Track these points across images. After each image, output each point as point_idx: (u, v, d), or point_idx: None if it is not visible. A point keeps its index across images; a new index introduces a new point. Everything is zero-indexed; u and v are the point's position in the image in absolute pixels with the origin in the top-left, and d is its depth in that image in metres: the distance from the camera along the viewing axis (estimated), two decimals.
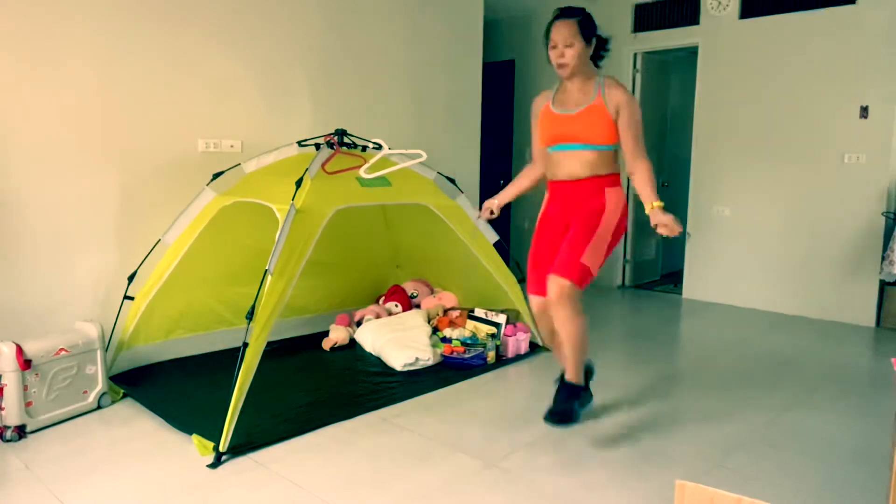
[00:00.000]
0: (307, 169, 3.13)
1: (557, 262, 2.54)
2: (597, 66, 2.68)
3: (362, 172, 3.35)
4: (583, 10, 2.59)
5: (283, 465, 2.53)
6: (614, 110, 2.53)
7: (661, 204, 2.45)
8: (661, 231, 2.39)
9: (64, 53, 3.23)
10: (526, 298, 3.03)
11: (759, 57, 5.18)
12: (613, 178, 2.63)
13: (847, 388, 3.48)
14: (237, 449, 2.60)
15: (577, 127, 2.56)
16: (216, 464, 2.51)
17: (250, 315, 2.66)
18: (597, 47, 2.61)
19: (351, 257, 4.46)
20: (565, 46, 2.52)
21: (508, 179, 6.78)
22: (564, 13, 2.56)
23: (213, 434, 2.60)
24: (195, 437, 2.68)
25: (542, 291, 2.68)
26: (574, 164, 2.60)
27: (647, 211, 2.48)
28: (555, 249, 2.66)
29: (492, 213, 2.90)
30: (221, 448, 2.54)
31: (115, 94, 3.41)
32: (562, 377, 2.74)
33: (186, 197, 3.57)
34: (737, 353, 4.10)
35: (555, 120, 2.63)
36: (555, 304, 2.52)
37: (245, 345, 2.63)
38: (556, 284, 2.50)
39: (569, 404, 2.65)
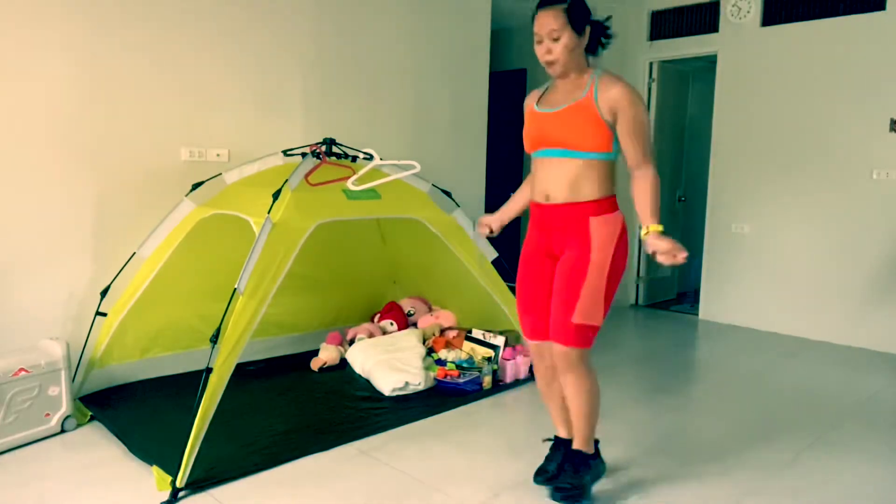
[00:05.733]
0: (286, 180, 2.93)
1: (552, 325, 2.21)
2: (595, 55, 2.23)
3: (349, 184, 3.14)
4: None
5: None
6: (608, 111, 2.09)
7: (660, 228, 2.06)
8: (661, 260, 2.01)
9: (37, 50, 3.07)
10: None
11: (782, 66, 4.90)
12: (601, 204, 2.16)
13: (876, 425, 3.18)
14: (197, 484, 2.38)
15: (559, 127, 2.15)
16: (172, 501, 2.30)
17: (215, 338, 2.46)
18: (593, 36, 2.17)
19: (344, 272, 4.25)
20: (552, 40, 2.10)
21: None
22: (547, 0, 2.12)
23: (175, 466, 2.38)
24: (155, 469, 2.47)
25: (535, 335, 2.34)
26: (552, 179, 2.19)
27: (641, 235, 2.11)
28: (542, 287, 2.30)
29: (491, 231, 2.55)
30: (179, 484, 2.32)
31: (91, 96, 3.24)
32: (560, 441, 2.46)
33: (167, 208, 3.38)
34: (755, 383, 3.81)
35: (535, 119, 2.25)
36: (560, 372, 2.23)
37: (208, 370, 2.42)
38: (557, 352, 2.20)
39: (578, 478, 2.30)
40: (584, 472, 2.32)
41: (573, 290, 2.15)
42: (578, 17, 2.11)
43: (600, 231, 2.15)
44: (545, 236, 2.28)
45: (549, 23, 2.09)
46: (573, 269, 2.17)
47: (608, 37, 2.22)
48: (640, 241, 5.89)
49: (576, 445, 2.35)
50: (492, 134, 5.63)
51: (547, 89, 2.31)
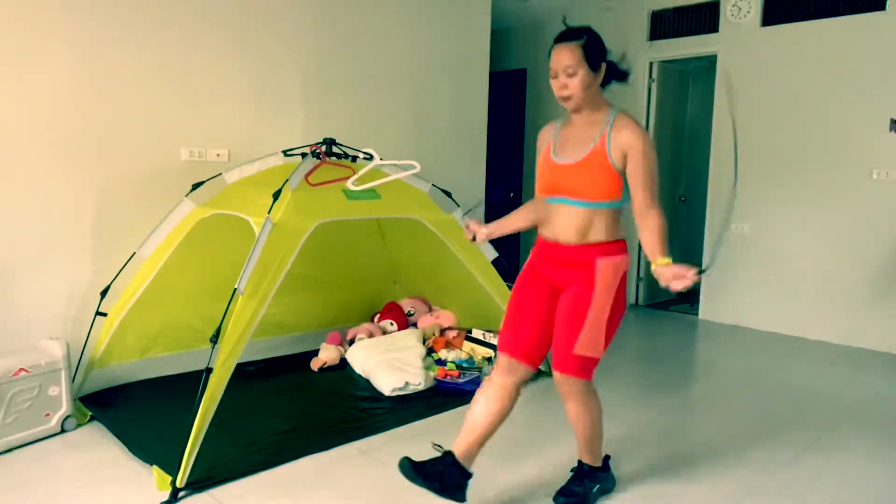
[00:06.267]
0: (287, 180, 2.93)
1: (554, 354, 2.24)
2: (622, 81, 2.25)
3: (349, 184, 3.14)
4: (587, 29, 2.14)
5: None
6: (619, 155, 2.09)
7: (668, 260, 2.02)
8: (675, 287, 1.98)
9: (37, 50, 3.07)
10: None
11: (782, 66, 4.90)
12: (609, 247, 2.18)
13: (876, 425, 3.18)
14: (198, 484, 2.39)
15: (573, 180, 2.16)
16: (172, 501, 2.30)
17: (215, 338, 2.46)
18: (608, 73, 2.18)
19: (345, 272, 4.25)
20: (568, 76, 2.10)
21: (518, 194, 6.55)
22: (565, 35, 2.13)
23: (175, 466, 2.39)
24: (155, 469, 2.47)
25: (512, 351, 2.29)
26: (562, 225, 2.19)
27: (652, 269, 2.08)
28: (534, 308, 2.30)
29: (474, 238, 2.51)
30: (179, 484, 2.33)
31: (91, 97, 3.25)
32: (450, 456, 2.25)
33: (168, 208, 3.38)
34: (754, 383, 3.81)
35: (552, 169, 2.23)
36: (563, 399, 2.28)
37: (208, 370, 2.42)
38: (560, 380, 2.24)
39: (584, 486, 2.39)
40: (591, 484, 2.40)
41: (576, 322, 2.17)
42: (594, 54, 2.12)
43: (605, 273, 2.17)
44: (550, 269, 2.28)
45: (564, 58, 2.10)
46: (577, 302, 2.19)
47: (624, 77, 2.23)
48: (639, 249, 5.89)
49: (584, 459, 2.42)
50: (492, 134, 5.63)
51: (562, 126, 2.30)
